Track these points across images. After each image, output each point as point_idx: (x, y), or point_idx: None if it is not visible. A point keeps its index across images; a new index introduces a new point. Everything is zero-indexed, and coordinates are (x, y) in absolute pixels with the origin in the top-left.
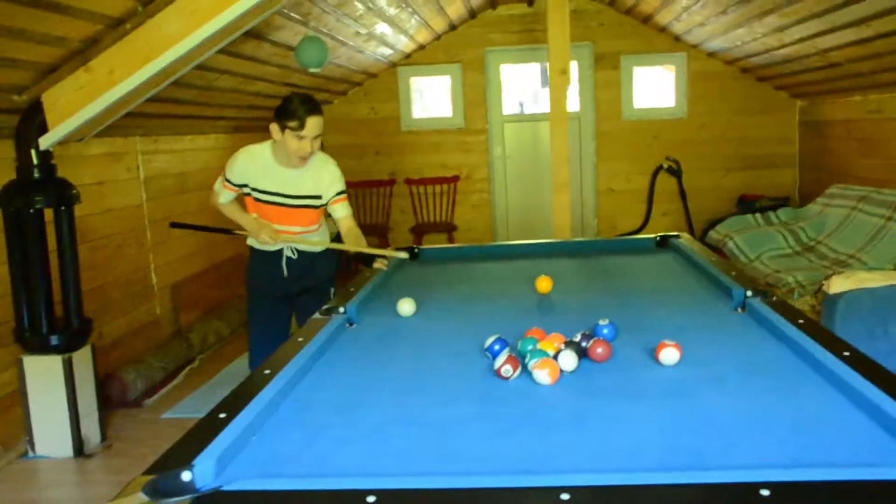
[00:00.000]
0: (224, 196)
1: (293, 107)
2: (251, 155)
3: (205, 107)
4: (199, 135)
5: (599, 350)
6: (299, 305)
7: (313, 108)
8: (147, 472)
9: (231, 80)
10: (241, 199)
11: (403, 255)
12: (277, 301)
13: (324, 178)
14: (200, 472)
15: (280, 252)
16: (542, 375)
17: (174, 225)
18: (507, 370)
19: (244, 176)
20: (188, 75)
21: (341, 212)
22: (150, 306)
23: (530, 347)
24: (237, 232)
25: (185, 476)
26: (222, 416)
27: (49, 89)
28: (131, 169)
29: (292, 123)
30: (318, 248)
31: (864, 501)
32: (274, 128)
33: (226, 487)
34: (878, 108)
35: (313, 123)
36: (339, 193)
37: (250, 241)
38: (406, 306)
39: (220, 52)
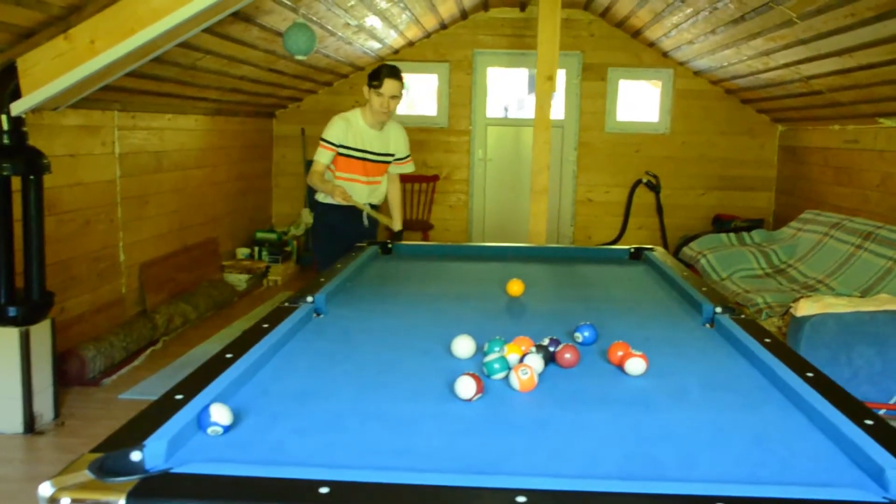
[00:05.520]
0: (326, 157)
1: (379, 70)
2: (346, 121)
3: (187, 86)
4: (179, 114)
5: (568, 356)
6: None
7: (392, 72)
8: (95, 450)
9: (215, 61)
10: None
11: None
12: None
13: (398, 139)
14: (151, 453)
15: (359, 211)
16: (516, 382)
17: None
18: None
19: (341, 137)
20: (171, 53)
21: (402, 170)
22: (116, 284)
23: (497, 349)
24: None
25: (135, 456)
26: (179, 397)
27: (25, 54)
28: (106, 143)
29: (375, 82)
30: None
31: None
32: (365, 90)
33: (176, 469)
34: (856, 138)
35: (390, 84)
36: (407, 156)
37: (325, 199)
38: (464, 345)
39: (206, 31)
